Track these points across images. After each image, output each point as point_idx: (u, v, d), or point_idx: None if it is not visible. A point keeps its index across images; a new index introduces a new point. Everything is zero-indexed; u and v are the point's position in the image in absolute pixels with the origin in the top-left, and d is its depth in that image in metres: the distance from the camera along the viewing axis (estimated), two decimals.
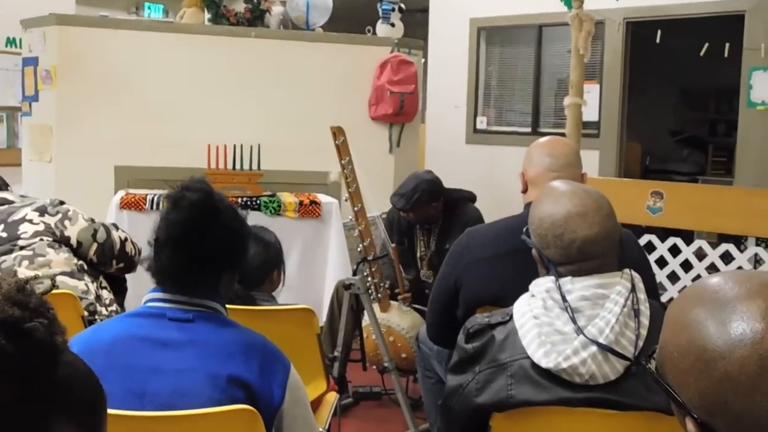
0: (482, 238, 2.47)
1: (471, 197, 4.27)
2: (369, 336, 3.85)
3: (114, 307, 2.85)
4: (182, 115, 5.25)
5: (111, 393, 1.59)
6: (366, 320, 3.79)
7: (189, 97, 5.28)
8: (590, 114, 6.45)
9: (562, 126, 5.40)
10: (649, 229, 4.99)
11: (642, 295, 1.75)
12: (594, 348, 1.66)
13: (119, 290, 3.05)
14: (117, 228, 3.08)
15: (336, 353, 3.67)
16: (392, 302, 4.00)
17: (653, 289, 2.36)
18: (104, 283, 2.92)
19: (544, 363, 1.68)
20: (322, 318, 4.43)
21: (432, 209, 4.08)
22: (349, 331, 3.75)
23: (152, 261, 1.76)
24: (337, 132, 3.59)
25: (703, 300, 0.95)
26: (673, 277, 4.95)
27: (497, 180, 6.56)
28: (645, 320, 1.71)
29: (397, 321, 3.94)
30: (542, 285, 1.78)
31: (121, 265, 2.96)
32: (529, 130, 7.15)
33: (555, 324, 1.71)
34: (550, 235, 1.77)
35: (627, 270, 1.78)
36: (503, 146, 6.99)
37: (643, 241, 4.99)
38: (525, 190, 2.45)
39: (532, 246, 1.85)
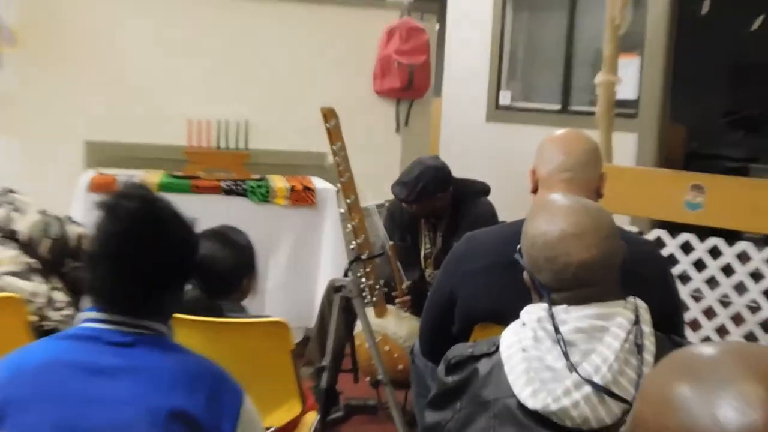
0: (483, 245, 2.45)
1: (484, 189, 4.23)
2: (362, 344, 3.84)
3: (69, 311, 2.85)
4: (162, 86, 5.24)
5: (37, 427, 1.60)
6: (359, 326, 3.78)
7: (170, 66, 5.27)
8: (628, 91, 6.36)
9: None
10: (687, 228, 4.93)
11: (647, 328, 1.72)
12: (588, 388, 1.64)
13: (80, 291, 3.04)
14: (73, 222, 3.07)
15: (325, 363, 3.67)
16: (389, 306, 3.99)
17: (673, 314, 2.33)
18: (58, 284, 2.91)
19: (531, 404, 1.66)
20: (313, 320, 4.44)
21: (438, 201, 4.05)
22: (340, 338, 3.75)
23: (87, 278, 1.74)
24: (329, 114, 3.55)
25: (693, 375, 0.91)
26: (713, 283, 4.91)
27: (520, 165, 6.49)
28: (649, 357, 1.69)
29: (394, 328, 3.93)
30: (534, 313, 1.75)
31: (78, 264, 2.96)
32: (558, 107, 7.09)
33: (545, 359, 1.69)
34: (542, 258, 1.74)
35: (631, 298, 1.74)
36: (529, 125, 6.93)
37: (679, 241, 4.94)
38: (535, 190, 2.43)
39: (524, 267, 1.82)
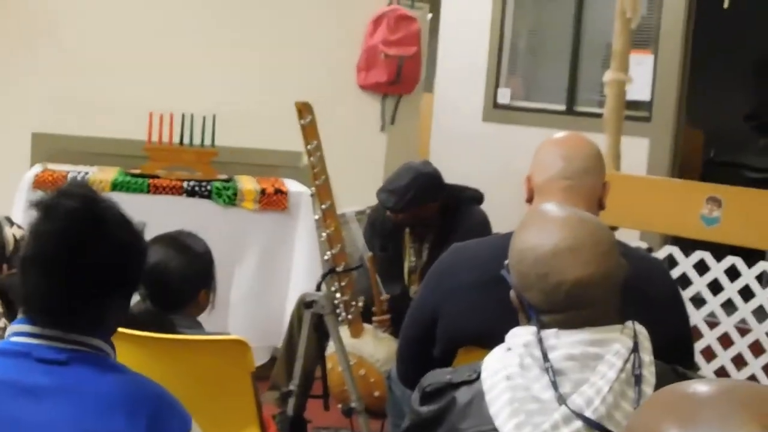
0: (470, 258, 2.45)
1: (477, 197, 4.24)
2: (334, 367, 3.83)
3: (1, 323, 2.82)
4: (119, 74, 5.22)
5: None
6: (332, 347, 3.76)
7: (129, 52, 5.26)
8: (640, 91, 6.38)
9: None
10: (703, 245, 4.94)
11: (647, 357, 1.71)
12: (579, 423, 1.63)
13: (15, 301, 3.02)
14: (12, 223, 3.05)
15: (292, 386, 3.66)
16: (366, 326, 3.98)
17: (682, 341, 2.33)
18: None
19: None
20: (282, 339, 4.42)
21: (428, 210, 4.04)
22: (309, 359, 3.73)
23: (19, 285, 1.72)
24: (304, 109, 3.56)
25: (683, 417, 0.89)
26: (730, 307, 4.91)
27: (519, 170, 6.49)
28: (648, 389, 1.68)
29: (371, 350, 3.92)
30: (520, 336, 1.74)
31: (14, 270, 2.93)
32: (563, 107, 7.10)
33: (532, 388, 1.68)
34: (532, 275, 1.73)
35: (630, 323, 1.74)
36: (530, 127, 6.93)
37: (693, 259, 4.94)
38: (530, 200, 2.43)
39: (511, 285, 1.81)
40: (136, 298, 2.62)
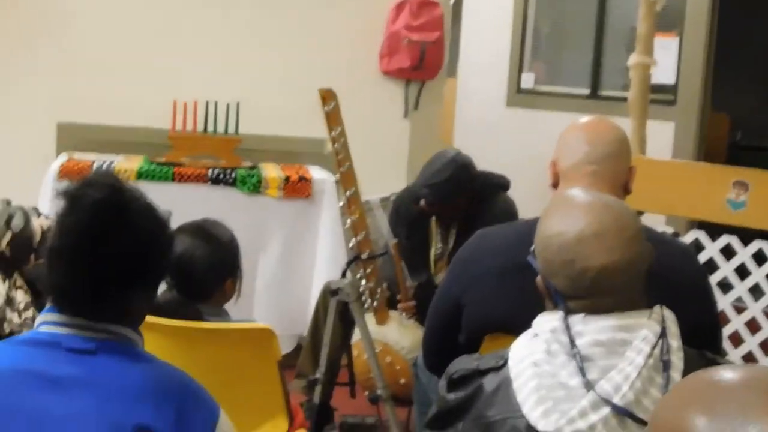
0: (495, 245, 2.44)
1: (504, 184, 4.22)
2: (360, 355, 3.84)
3: (30, 313, 2.84)
4: (143, 63, 5.23)
5: None
6: (358, 334, 3.77)
7: (152, 41, 5.26)
8: (665, 75, 6.34)
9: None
10: (729, 229, 4.91)
11: (675, 343, 1.71)
12: (607, 410, 1.63)
13: (43, 291, 3.04)
14: (39, 214, 3.07)
15: (318, 375, 3.66)
16: (391, 313, 3.98)
17: (710, 327, 2.32)
18: (20, 282, 2.91)
19: (542, 426, 1.65)
20: (307, 326, 4.42)
21: (463, 200, 4.03)
22: (335, 347, 3.74)
23: (46, 275, 1.73)
24: (327, 96, 3.56)
25: (709, 406, 0.88)
26: (757, 292, 4.88)
27: (544, 156, 6.45)
28: (677, 375, 1.68)
29: (396, 337, 3.92)
30: (547, 323, 1.74)
31: (41, 261, 2.95)
32: (587, 92, 7.06)
33: (559, 375, 1.68)
34: (557, 261, 1.73)
35: (657, 308, 1.73)
36: (553, 111, 6.90)
37: (720, 244, 4.91)
38: (555, 184, 2.42)
39: (538, 271, 1.80)
40: (162, 287, 2.63)
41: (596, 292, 1.70)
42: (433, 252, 4.23)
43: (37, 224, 3.00)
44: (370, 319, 3.86)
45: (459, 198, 3.99)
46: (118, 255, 1.71)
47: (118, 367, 1.69)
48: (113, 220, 1.71)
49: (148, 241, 1.75)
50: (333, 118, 3.58)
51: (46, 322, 1.74)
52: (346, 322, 3.65)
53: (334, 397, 3.94)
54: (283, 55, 5.37)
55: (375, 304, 3.91)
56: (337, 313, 3.58)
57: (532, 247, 1.85)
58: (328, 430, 4.05)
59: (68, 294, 1.72)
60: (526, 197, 4.22)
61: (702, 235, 4.97)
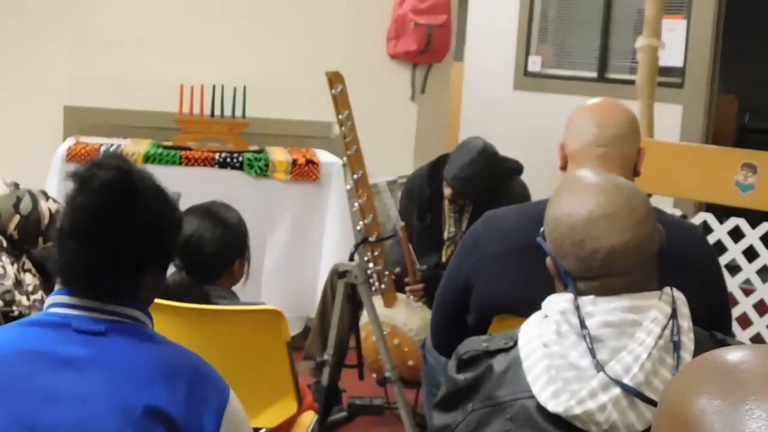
0: (503, 227, 2.45)
1: (517, 168, 4.24)
2: (368, 337, 3.84)
3: (39, 295, 2.85)
4: (150, 46, 5.23)
5: None
6: (365, 317, 3.77)
7: (159, 24, 5.26)
8: (673, 57, 6.32)
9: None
10: (738, 211, 4.90)
11: (686, 323, 1.70)
12: (617, 390, 1.62)
13: (51, 273, 3.05)
14: (47, 197, 3.07)
15: (326, 356, 3.67)
16: (399, 295, 3.98)
17: (719, 308, 2.32)
18: (28, 265, 2.91)
19: (552, 406, 1.64)
20: (315, 309, 4.43)
21: (486, 191, 4.05)
22: (343, 329, 3.75)
23: (56, 256, 1.73)
24: (334, 79, 3.55)
25: (718, 386, 0.87)
26: (765, 273, 4.87)
27: (551, 139, 6.45)
28: (687, 355, 1.67)
29: (404, 319, 3.92)
30: (557, 304, 1.74)
31: (50, 244, 2.95)
32: (594, 74, 7.05)
33: (569, 356, 1.67)
34: (567, 242, 1.72)
35: (668, 289, 1.72)
36: (561, 94, 6.89)
37: (728, 226, 4.91)
38: (564, 167, 2.42)
39: (547, 252, 1.80)
40: (171, 269, 2.64)
41: (606, 273, 1.70)
42: (446, 235, 4.24)
43: (45, 207, 3.01)
44: (378, 301, 3.87)
45: (486, 189, 4.01)
46: (127, 236, 1.71)
47: (128, 349, 1.69)
48: (123, 200, 1.71)
49: (158, 222, 1.76)
50: (341, 102, 3.58)
51: (56, 304, 1.74)
52: (354, 304, 3.66)
53: (342, 379, 3.95)
54: (290, 39, 5.36)
55: (383, 286, 3.92)
56: (345, 295, 3.59)
57: (542, 228, 1.85)
58: (336, 412, 4.07)
59: (78, 275, 1.72)
60: (534, 181, 4.23)
61: (710, 218, 4.97)
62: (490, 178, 4.02)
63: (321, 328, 4.15)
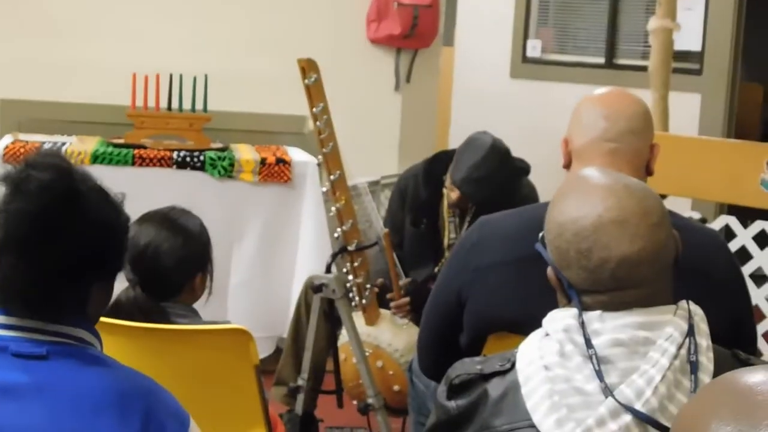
0: (500, 234, 2.47)
1: (525, 168, 4.25)
2: (348, 359, 3.84)
3: None
4: (97, 30, 5.24)
5: None
6: (345, 336, 3.78)
7: (107, 4, 5.25)
8: (690, 41, 6.37)
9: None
10: (763, 214, 4.94)
11: (704, 341, 1.71)
12: (628, 417, 1.63)
13: None
14: None
15: (300, 381, 3.68)
16: (383, 311, 3.99)
17: (743, 323, 2.34)
18: None
19: None
20: (287, 327, 4.43)
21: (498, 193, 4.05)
22: (320, 350, 3.75)
23: None
24: (308, 67, 3.55)
25: (737, 412, 0.88)
26: None
27: (553, 133, 6.47)
28: (706, 377, 1.68)
29: (389, 339, 3.93)
30: (560, 321, 1.74)
31: None
32: (602, 60, 7.10)
33: (573, 379, 1.68)
34: (572, 251, 1.73)
35: (684, 303, 1.74)
36: (564, 83, 6.94)
37: (753, 230, 4.93)
38: (567, 165, 2.44)
39: (548, 262, 1.81)
40: (124, 284, 2.64)
41: (616, 286, 1.70)
42: (446, 242, 4.24)
43: None
44: (358, 318, 3.87)
45: (500, 190, 4.01)
46: (70, 244, 1.72)
47: (73, 374, 1.69)
48: (63, 204, 1.71)
49: (103, 227, 1.76)
50: (315, 93, 3.58)
51: None
52: (331, 321, 3.66)
53: (319, 406, 3.95)
54: (257, 22, 5.37)
55: (364, 301, 3.92)
56: (322, 312, 3.59)
57: (541, 234, 1.85)
58: None
59: (16, 292, 1.72)
60: (535, 180, 4.24)
61: (733, 221, 5.00)
62: (505, 177, 4.03)
63: (294, 350, 4.15)
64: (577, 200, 1.77)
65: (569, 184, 1.84)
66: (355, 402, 3.90)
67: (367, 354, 3.68)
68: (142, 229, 2.69)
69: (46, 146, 4.71)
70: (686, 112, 6.17)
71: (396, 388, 3.89)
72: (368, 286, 3.91)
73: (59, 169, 1.74)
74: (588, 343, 1.68)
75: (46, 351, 1.69)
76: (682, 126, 5.63)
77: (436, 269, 4.20)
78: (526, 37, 7.33)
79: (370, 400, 3.59)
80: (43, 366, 1.68)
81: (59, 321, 1.73)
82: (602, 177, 1.80)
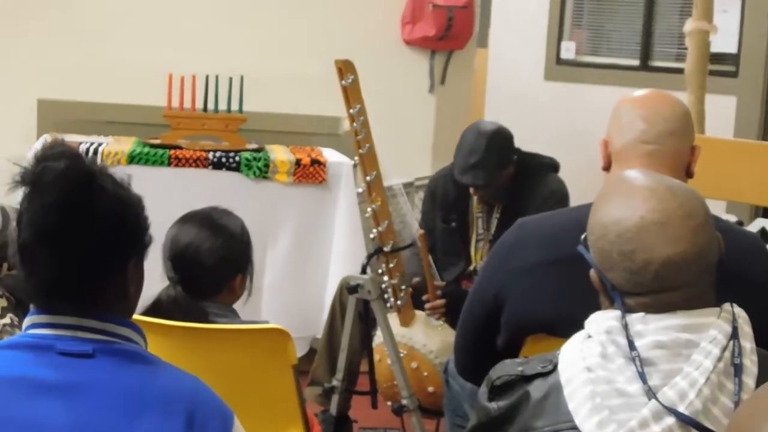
0: (539, 235, 2.46)
1: (554, 164, 4.26)
2: (382, 360, 3.85)
3: (8, 319, 2.83)
4: (134, 32, 5.26)
5: None
6: (379, 337, 3.78)
7: (144, 6, 5.28)
8: (726, 43, 6.33)
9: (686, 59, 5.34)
10: None
11: (748, 344, 1.71)
12: (671, 420, 1.63)
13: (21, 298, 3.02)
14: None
15: (335, 382, 3.68)
16: (417, 312, 3.99)
17: None
18: None
19: None
20: (321, 328, 4.44)
21: (507, 173, 4.06)
22: (354, 351, 3.76)
23: (24, 278, 1.73)
24: (345, 68, 3.56)
25: None
26: None
27: (587, 135, 6.46)
28: (750, 381, 1.68)
29: (423, 340, 3.93)
30: (602, 322, 1.74)
31: (14, 271, 2.92)
32: (637, 62, 7.07)
33: (616, 381, 1.68)
34: (615, 252, 1.73)
35: (728, 306, 1.73)
36: (598, 85, 6.91)
37: None
38: (607, 167, 2.44)
39: (590, 263, 1.81)
40: (164, 284, 2.65)
41: (659, 288, 1.70)
42: (474, 238, 4.25)
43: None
44: (393, 319, 3.87)
45: (505, 169, 4.01)
46: (99, 225, 1.71)
47: (118, 372, 1.69)
48: (83, 187, 1.71)
49: (123, 203, 1.76)
50: (352, 94, 3.59)
51: (35, 325, 1.74)
52: (366, 322, 3.66)
53: (353, 407, 3.95)
54: (292, 23, 5.39)
55: (399, 302, 3.92)
56: (357, 312, 3.59)
57: (583, 235, 1.85)
58: None
59: (54, 289, 1.72)
60: (568, 181, 4.24)
61: None
62: (504, 154, 4.01)
63: (328, 350, 4.16)
64: (620, 202, 1.77)
65: (612, 186, 1.84)
66: (389, 403, 3.90)
67: (401, 355, 3.68)
68: (184, 228, 2.70)
69: (83, 147, 4.73)
70: (722, 114, 6.13)
71: (430, 389, 3.89)
72: (403, 287, 3.92)
73: (71, 155, 1.74)
74: (631, 345, 1.68)
75: (92, 349, 1.70)
76: (717, 128, 5.60)
77: (471, 267, 4.22)
78: (560, 38, 7.30)
79: (404, 401, 3.59)
80: (88, 364, 1.69)
81: (104, 317, 1.73)
82: (645, 178, 1.80)
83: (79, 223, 1.71)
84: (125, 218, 1.77)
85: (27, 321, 1.77)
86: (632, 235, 1.72)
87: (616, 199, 1.78)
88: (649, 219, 1.72)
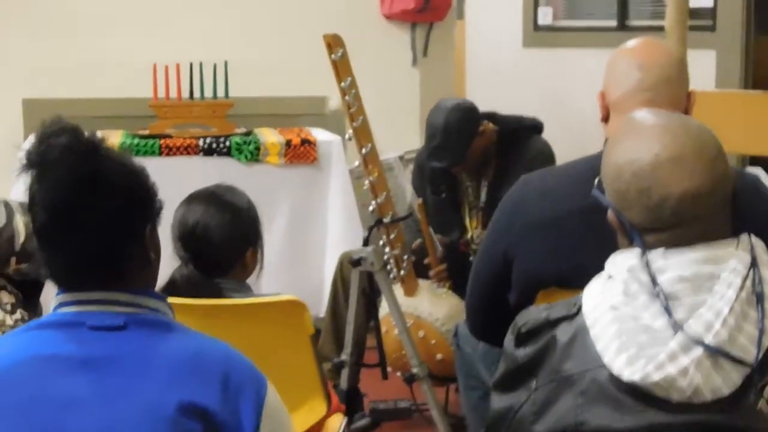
0: (543, 191, 2.46)
1: (537, 126, 4.27)
2: (389, 331, 3.86)
3: (18, 314, 2.84)
4: (115, 24, 5.25)
5: None
6: (384, 308, 3.79)
7: (122, 1, 5.25)
8: None
9: (662, 17, 5.33)
10: None
11: (767, 272, 1.72)
12: (699, 350, 1.65)
13: (31, 289, 3.02)
14: (26, 210, 3.05)
15: (344, 356, 3.69)
16: (421, 281, 4.00)
17: None
18: (1, 282, 2.89)
19: (628, 374, 1.67)
20: (323, 307, 4.45)
21: (479, 146, 4.06)
22: (360, 325, 3.76)
23: (45, 261, 1.74)
24: (334, 42, 3.56)
25: None
26: None
27: (568, 99, 6.50)
28: None
29: (429, 308, 3.94)
30: (623, 262, 1.76)
31: (23, 266, 2.92)
32: (614, 23, 7.07)
33: (641, 317, 1.69)
34: (632, 191, 1.74)
35: (745, 236, 1.75)
36: (577, 48, 6.92)
37: None
38: (606, 119, 2.45)
39: (607, 205, 1.82)
40: (177, 263, 2.66)
41: (678, 223, 1.72)
42: (467, 207, 4.26)
43: (21, 223, 2.94)
44: (398, 290, 3.88)
45: (470, 145, 4.01)
46: (110, 194, 1.73)
47: (152, 341, 1.71)
48: (90, 158, 1.73)
49: (129, 170, 1.78)
50: (342, 68, 3.59)
51: (64, 303, 1.75)
52: (371, 294, 3.66)
53: (363, 380, 3.95)
54: (271, 5, 5.37)
55: (402, 272, 3.93)
56: (361, 285, 3.59)
57: (597, 179, 1.87)
58: (358, 419, 4.07)
59: (77, 266, 1.73)
60: (554, 144, 4.24)
61: (760, 172, 4.98)
62: (465, 130, 4.01)
63: (333, 326, 4.18)
64: (633, 141, 1.78)
65: (623, 128, 1.84)
66: (398, 374, 3.91)
67: (408, 325, 3.69)
68: (190, 207, 2.70)
69: None
70: (701, 69, 6.13)
71: (439, 356, 3.91)
72: (405, 257, 3.93)
73: (70, 129, 1.76)
74: (653, 281, 1.70)
75: (124, 321, 1.71)
76: (698, 83, 5.59)
77: (468, 235, 4.24)
78: (536, 4, 7.30)
79: (414, 370, 3.60)
80: (121, 336, 1.70)
81: (131, 290, 1.75)
82: (656, 117, 1.82)
83: (92, 195, 1.72)
84: (135, 184, 1.78)
85: (54, 301, 1.78)
86: (648, 173, 1.73)
87: (629, 140, 1.79)
88: (664, 156, 1.73)
